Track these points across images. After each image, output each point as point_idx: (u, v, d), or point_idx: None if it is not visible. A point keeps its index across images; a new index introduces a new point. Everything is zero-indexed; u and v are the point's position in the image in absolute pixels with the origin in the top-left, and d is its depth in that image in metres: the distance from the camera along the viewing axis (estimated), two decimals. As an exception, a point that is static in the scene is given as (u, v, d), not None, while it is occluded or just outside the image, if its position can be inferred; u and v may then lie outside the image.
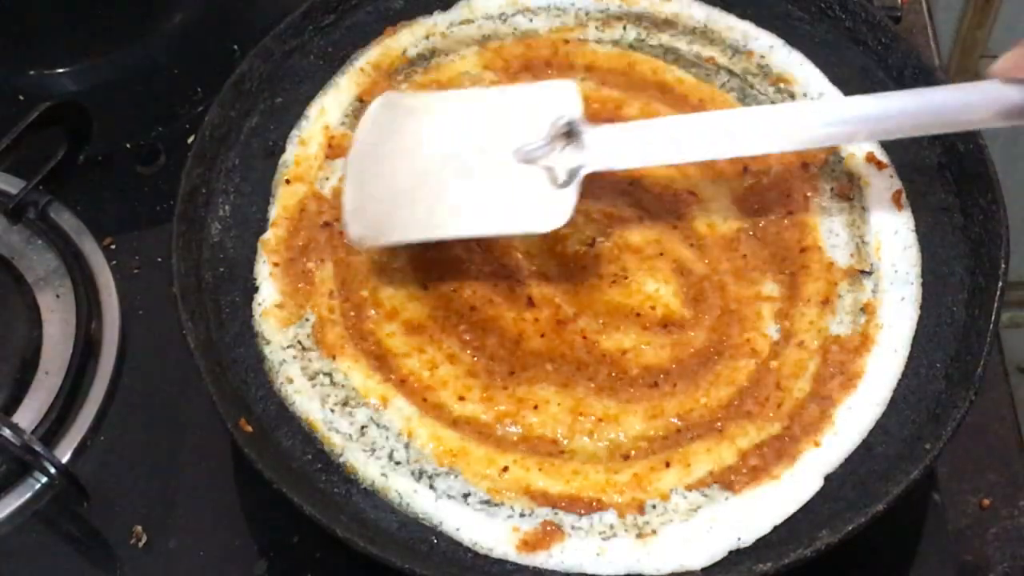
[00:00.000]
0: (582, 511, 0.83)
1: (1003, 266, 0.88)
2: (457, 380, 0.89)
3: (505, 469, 0.85)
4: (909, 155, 0.96)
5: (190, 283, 0.92)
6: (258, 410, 0.88)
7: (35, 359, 0.98)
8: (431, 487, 0.85)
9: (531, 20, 1.06)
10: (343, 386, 0.89)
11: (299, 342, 0.91)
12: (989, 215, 0.91)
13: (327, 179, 0.98)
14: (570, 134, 0.91)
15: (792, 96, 1.01)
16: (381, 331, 0.91)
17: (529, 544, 0.82)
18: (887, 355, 0.89)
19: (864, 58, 1.01)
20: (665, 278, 0.92)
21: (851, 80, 1.00)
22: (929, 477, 0.90)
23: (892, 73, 0.99)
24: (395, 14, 1.07)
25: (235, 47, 1.17)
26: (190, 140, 1.01)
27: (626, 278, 0.92)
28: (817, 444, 0.85)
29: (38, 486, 0.93)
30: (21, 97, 1.17)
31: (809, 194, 0.96)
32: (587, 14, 1.06)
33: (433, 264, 0.94)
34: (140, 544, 0.92)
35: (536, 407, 0.87)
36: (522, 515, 0.83)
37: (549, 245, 0.94)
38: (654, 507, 0.83)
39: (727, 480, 0.84)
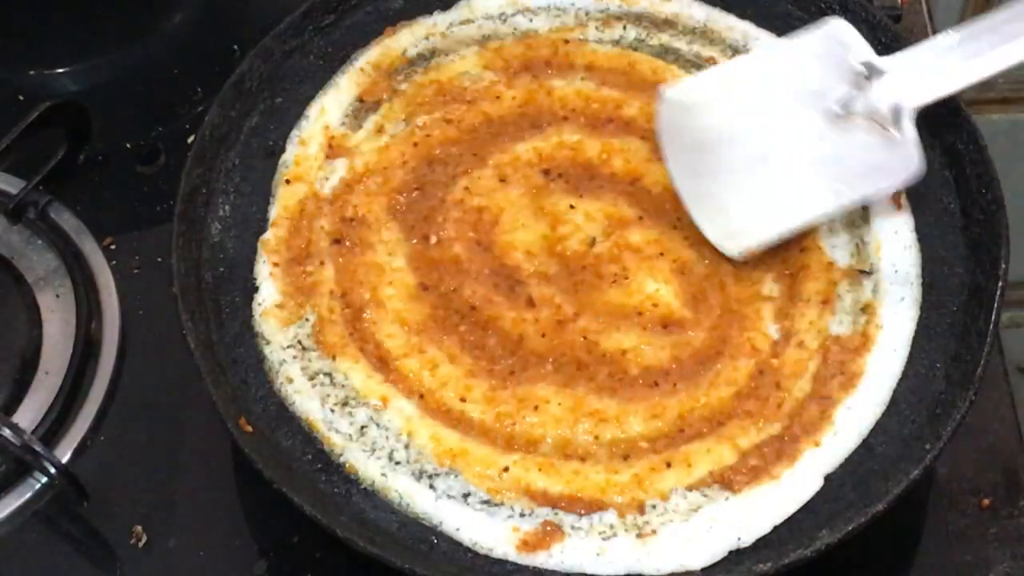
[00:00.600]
0: (582, 511, 0.83)
1: (1003, 266, 0.88)
2: (457, 380, 0.89)
3: (505, 469, 0.85)
4: (909, 155, 0.97)
5: (190, 283, 0.92)
6: (258, 410, 0.88)
7: (35, 359, 0.98)
8: (431, 487, 0.85)
9: (531, 20, 1.06)
10: (343, 386, 0.89)
11: (299, 342, 0.91)
12: (989, 215, 0.91)
13: (327, 179, 0.98)
14: (869, 72, 0.88)
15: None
16: (381, 331, 0.91)
17: (529, 544, 0.82)
18: (887, 355, 0.89)
19: (864, 58, 1.01)
20: (665, 278, 0.92)
21: (851, 80, 1.00)
22: (929, 477, 0.90)
23: (892, 73, 0.99)
24: (395, 14, 1.07)
25: (235, 47, 1.17)
26: (190, 140, 1.01)
27: (626, 278, 0.92)
28: (817, 444, 0.85)
29: (38, 486, 0.93)
30: (21, 97, 1.16)
31: (810, 194, 0.96)
32: (587, 14, 1.06)
33: (433, 264, 0.94)
34: (140, 544, 0.92)
35: (536, 407, 0.87)
36: (522, 515, 0.83)
37: (549, 245, 0.94)
38: (654, 507, 0.83)
39: (727, 480, 0.84)
